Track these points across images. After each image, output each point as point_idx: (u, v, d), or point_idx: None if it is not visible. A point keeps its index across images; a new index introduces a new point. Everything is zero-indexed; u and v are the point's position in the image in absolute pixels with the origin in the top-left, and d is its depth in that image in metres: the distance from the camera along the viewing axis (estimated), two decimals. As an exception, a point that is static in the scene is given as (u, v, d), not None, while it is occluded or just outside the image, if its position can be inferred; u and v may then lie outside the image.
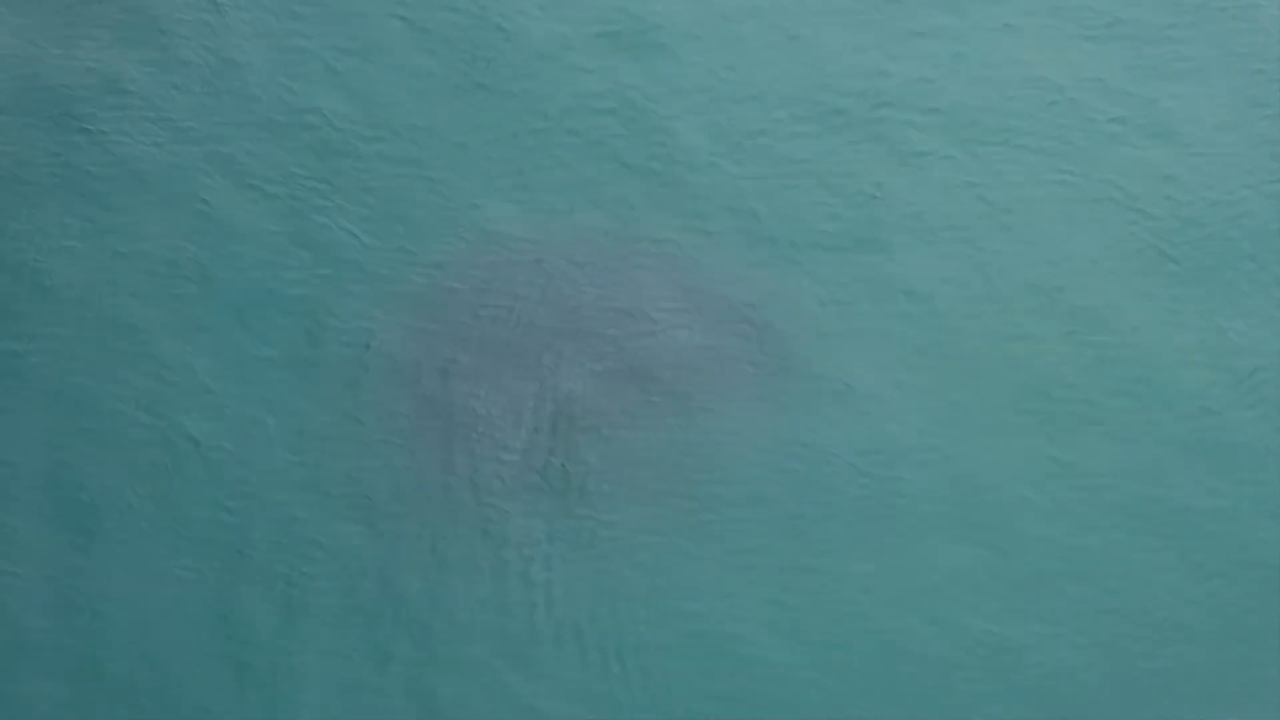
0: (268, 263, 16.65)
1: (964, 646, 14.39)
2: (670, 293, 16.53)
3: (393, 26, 18.61)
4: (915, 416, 15.68)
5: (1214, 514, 15.08)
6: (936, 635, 14.45)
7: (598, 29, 18.58)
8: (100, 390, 15.77)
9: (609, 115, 17.85)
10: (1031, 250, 16.82)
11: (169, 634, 14.50)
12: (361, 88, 18.10)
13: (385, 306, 16.32)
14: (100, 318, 16.27)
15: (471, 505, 15.11)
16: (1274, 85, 18.03)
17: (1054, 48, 18.38)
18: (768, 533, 14.98)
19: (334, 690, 14.25)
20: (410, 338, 16.12)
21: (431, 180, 17.32)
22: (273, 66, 18.21)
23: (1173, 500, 15.16)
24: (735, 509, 15.09)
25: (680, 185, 17.28)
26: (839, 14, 18.72)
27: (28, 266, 16.61)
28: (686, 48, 18.35)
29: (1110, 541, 14.93)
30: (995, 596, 14.63)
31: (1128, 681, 14.22)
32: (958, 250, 16.81)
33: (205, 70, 18.19)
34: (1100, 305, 16.42)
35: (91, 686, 14.15)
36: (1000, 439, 15.56)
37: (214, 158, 17.46)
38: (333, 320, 16.24)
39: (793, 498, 15.19)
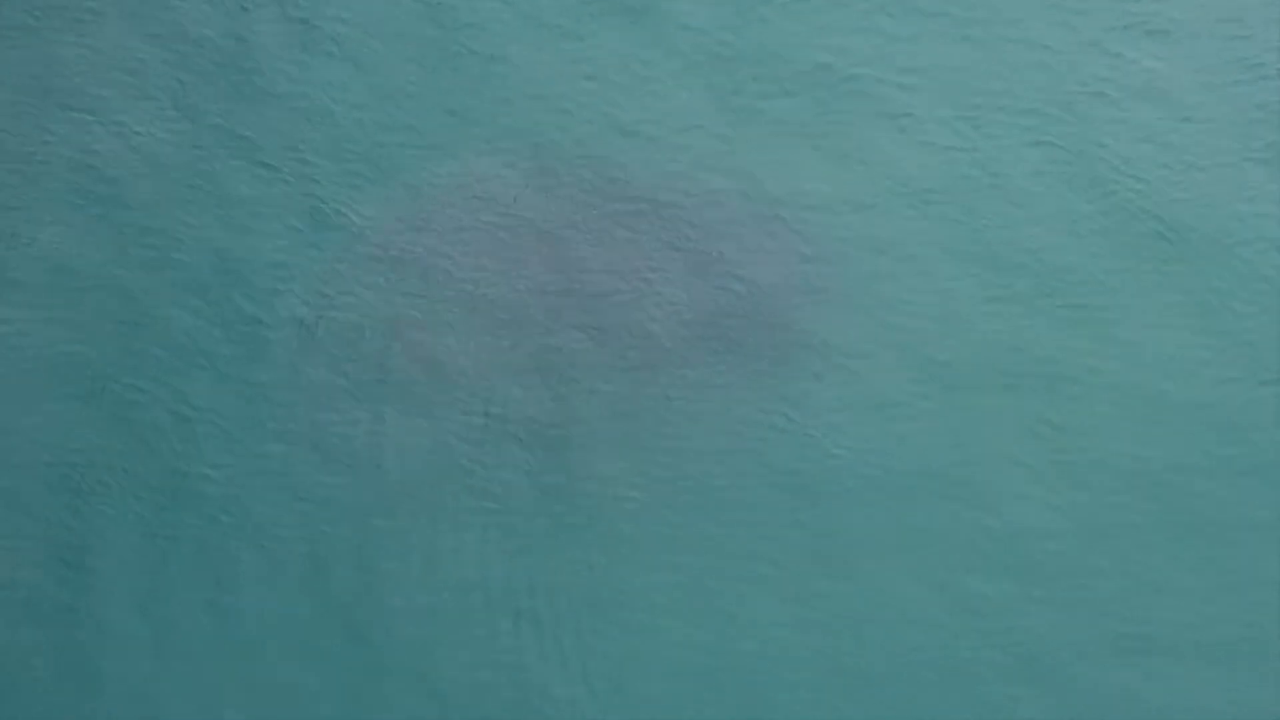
0: (260, 228, 16.83)
1: (948, 602, 14.63)
2: (660, 251, 16.73)
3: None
4: (900, 375, 15.91)
5: (1195, 472, 15.25)
6: (921, 590, 14.68)
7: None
8: (95, 355, 16.06)
9: (599, 80, 17.98)
10: (1016, 211, 16.96)
11: (157, 584, 14.82)
12: (360, 57, 18.28)
13: (378, 268, 16.52)
14: (95, 286, 16.52)
15: (457, 458, 15.32)
16: (1256, 46, 18.03)
17: (1039, 5, 18.43)
18: (753, 487, 15.20)
19: (314, 633, 14.56)
20: (401, 297, 16.33)
21: (424, 146, 17.45)
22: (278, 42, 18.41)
23: (1155, 459, 15.34)
24: (720, 463, 15.31)
25: (670, 146, 17.39)
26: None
27: (22, 236, 16.86)
28: (678, 9, 18.40)
29: (1094, 500, 15.13)
30: (979, 553, 14.84)
31: (1111, 640, 14.44)
32: (944, 211, 16.94)
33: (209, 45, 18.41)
34: (1081, 266, 16.65)
35: (83, 634, 14.49)
36: (984, 397, 15.76)
37: (219, 131, 17.70)
38: (327, 284, 16.44)
39: (778, 453, 15.39)
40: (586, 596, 14.68)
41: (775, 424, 15.52)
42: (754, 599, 14.64)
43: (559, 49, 18.18)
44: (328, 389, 15.78)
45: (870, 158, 17.25)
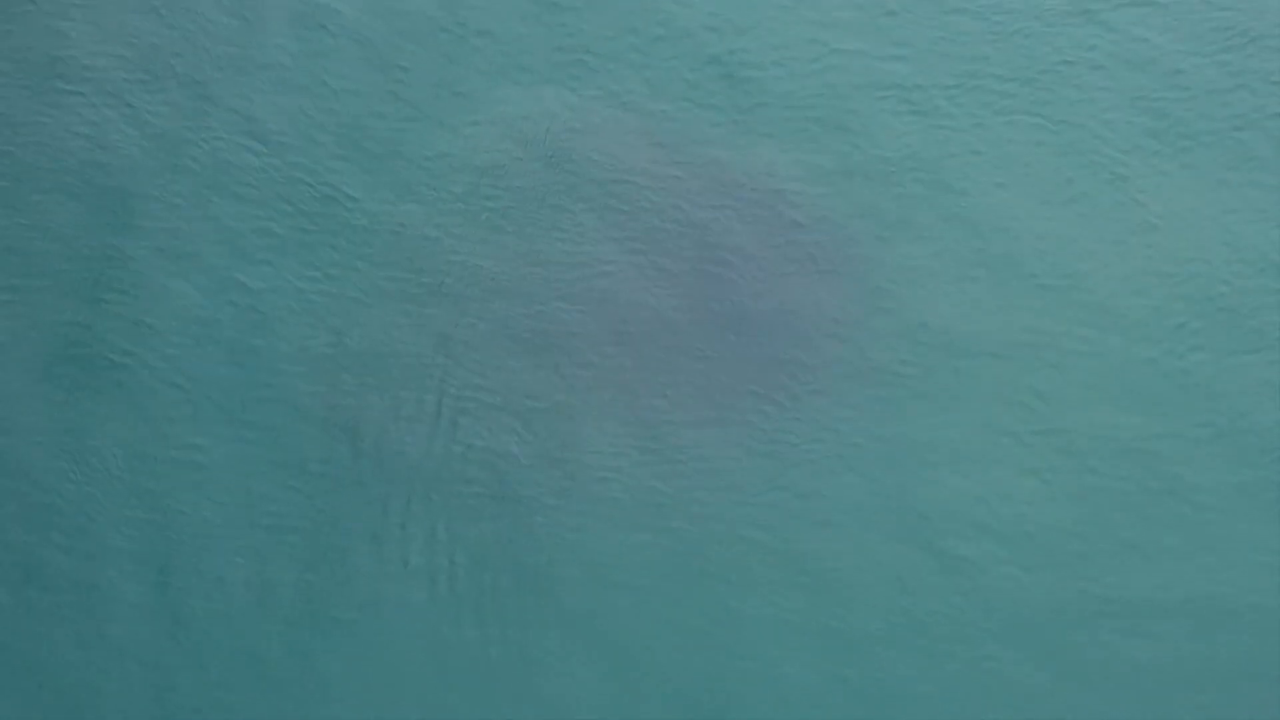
0: (254, 199, 17.03)
1: (932, 565, 14.92)
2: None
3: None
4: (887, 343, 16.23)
5: (1171, 439, 15.51)
6: (905, 553, 14.97)
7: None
8: (93, 324, 16.30)
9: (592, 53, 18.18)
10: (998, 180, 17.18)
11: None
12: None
13: (373, 240, 16.74)
14: (92, 255, 16.72)
15: (451, 426, 15.60)
16: (1234, 12, 18.19)
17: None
18: (740, 456, 15.47)
19: (312, 602, 14.84)
20: (394, 269, 16.55)
21: (418, 119, 17.61)
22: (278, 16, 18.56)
23: (1133, 426, 15.59)
24: (708, 432, 15.62)
25: (659, 118, 17.58)
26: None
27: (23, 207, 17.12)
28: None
29: (1074, 465, 15.42)
30: (962, 518, 15.13)
31: (1090, 601, 14.70)
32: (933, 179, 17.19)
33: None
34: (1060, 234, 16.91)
35: (86, 600, 14.81)
36: (969, 363, 16.04)
37: (215, 103, 17.83)
38: (321, 255, 16.66)
39: (765, 421, 15.67)
40: (582, 558, 14.99)
41: (762, 392, 15.83)
42: (742, 563, 14.91)
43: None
44: (322, 359, 15.99)
45: (855, 127, 17.45)
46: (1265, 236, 16.58)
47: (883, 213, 16.81)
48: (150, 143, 17.37)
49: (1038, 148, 17.24)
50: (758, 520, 15.11)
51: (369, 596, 14.75)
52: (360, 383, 15.85)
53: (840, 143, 17.31)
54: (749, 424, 15.59)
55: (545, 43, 18.08)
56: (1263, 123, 17.31)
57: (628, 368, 15.90)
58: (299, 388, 15.77)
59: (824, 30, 18.08)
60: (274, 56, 18.01)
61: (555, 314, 16.24)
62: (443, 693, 14.38)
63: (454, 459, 15.45)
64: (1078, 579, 14.80)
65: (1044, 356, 15.92)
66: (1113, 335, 16.04)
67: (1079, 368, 15.86)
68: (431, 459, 15.43)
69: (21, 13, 18.22)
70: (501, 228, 16.75)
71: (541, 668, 14.45)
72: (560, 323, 16.17)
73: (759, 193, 17.02)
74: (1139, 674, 14.37)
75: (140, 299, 16.28)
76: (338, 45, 18.13)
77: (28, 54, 17.98)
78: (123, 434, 15.51)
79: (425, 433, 15.57)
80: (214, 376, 15.85)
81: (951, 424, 15.61)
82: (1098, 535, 14.99)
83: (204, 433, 15.56)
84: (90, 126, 17.48)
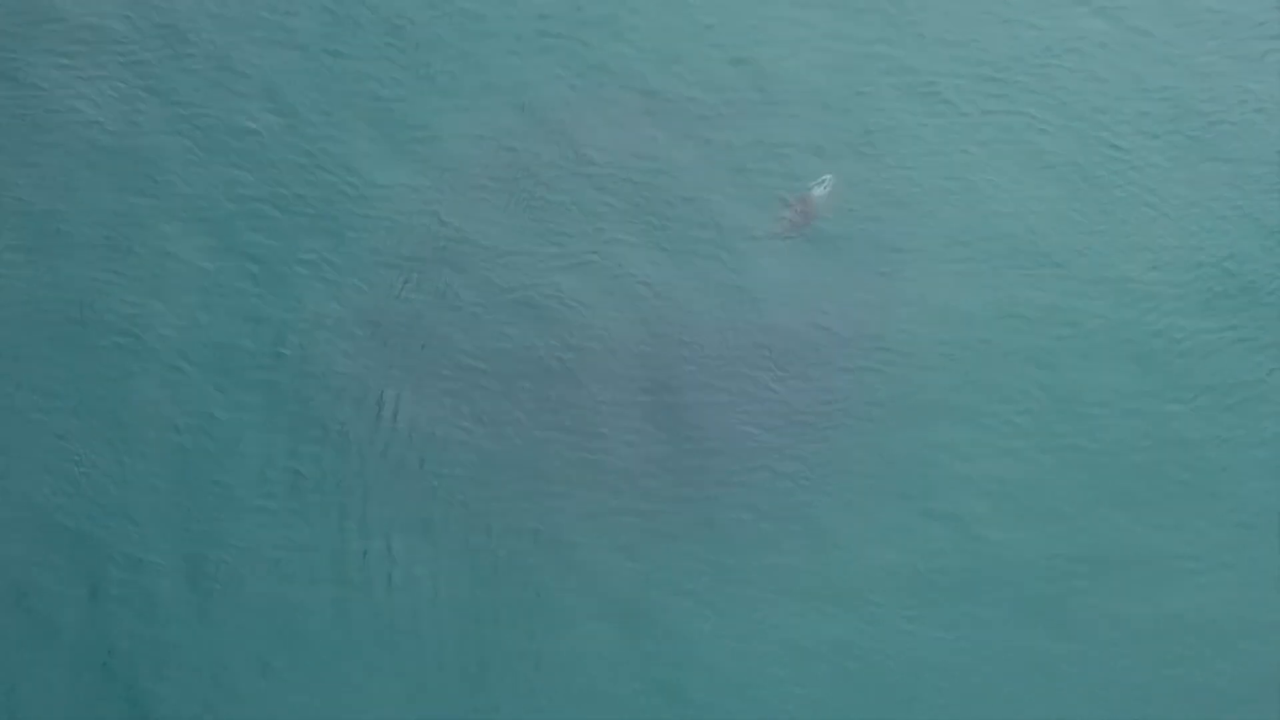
0: (270, 163, 17.28)
1: (919, 520, 15.25)
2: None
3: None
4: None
5: (1149, 397, 15.86)
6: (894, 510, 15.28)
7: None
8: (101, 285, 16.48)
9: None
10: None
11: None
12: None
13: (381, 208, 16.97)
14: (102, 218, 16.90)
15: (458, 388, 15.84)
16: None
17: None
18: (739, 424, 15.75)
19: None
20: (401, 237, 16.78)
21: (431, 95, 17.88)
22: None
23: (1115, 385, 15.94)
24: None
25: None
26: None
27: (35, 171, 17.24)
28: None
29: (1053, 425, 15.75)
30: (950, 475, 15.43)
31: (1073, 554, 14.98)
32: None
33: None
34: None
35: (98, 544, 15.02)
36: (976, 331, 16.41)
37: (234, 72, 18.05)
38: (329, 219, 16.91)
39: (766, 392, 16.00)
40: (592, 521, 15.24)
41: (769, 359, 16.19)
42: (738, 506, 15.23)
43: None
44: (330, 320, 16.21)
45: (854, 107, 17.85)
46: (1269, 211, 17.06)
47: (888, 190, 17.18)
48: (167, 108, 17.60)
49: (1042, 132, 17.67)
50: (762, 485, 15.37)
51: (385, 552, 14.98)
52: (372, 346, 16.09)
53: (849, 125, 17.68)
54: (754, 386, 15.89)
55: (571, 22, 18.39)
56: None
57: (633, 336, 16.16)
58: (313, 351, 16.01)
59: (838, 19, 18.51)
60: (296, 27, 18.25)
61: (559, 279, 16.57)
62: (470, 644, 14.63)
63: (459, 415, 15.70)
64: (1061, 534, 15.10)
65: (1047, 329, 16.33)
66: (1114, 306, 16.41)
67: (1083, 338, 16.22)
68: (440, 423, 15.66)
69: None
70: (511, 202, 17.04)
71: (550, 620, 14.69)
72: (564, 291, 16.48)
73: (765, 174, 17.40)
74: (1120, 625, 14.68)
75: (153, 262, 16.49)
76: (361, 18, 18.37)
77: (53, 19, 18.23)
78: (138, 394, 15.71)
79: (435, 394, 15.81)
80: (227, 340, 16.06)
81: (952, 390, 15.92)
82: (1081, 490, 15.32)
83: (218, 393, 15.75)
84: (110, 92, 17.67)
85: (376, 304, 16.32)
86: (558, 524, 15.13)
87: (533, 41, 18.22)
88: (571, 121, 17.53)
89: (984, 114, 17.69)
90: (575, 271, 16.55)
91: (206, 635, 14.49)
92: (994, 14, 18.47)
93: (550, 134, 17.45)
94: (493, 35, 18.29)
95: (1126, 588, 14.83)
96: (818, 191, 16.97)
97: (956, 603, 14.73)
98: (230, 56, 18.01)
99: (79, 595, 14.65)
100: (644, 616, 14.68)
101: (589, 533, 15.08)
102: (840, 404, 15.81)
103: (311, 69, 17.96)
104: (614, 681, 14.36)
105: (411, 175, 17.17)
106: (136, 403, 15.67)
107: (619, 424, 15.63)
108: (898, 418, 15.74)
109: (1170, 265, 16.60)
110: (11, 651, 14.33)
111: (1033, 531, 15.09)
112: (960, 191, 17.16)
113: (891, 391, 15.88)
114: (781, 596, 14.78)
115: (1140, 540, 15.06)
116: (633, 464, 15.43)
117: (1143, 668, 14.49)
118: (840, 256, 16.71)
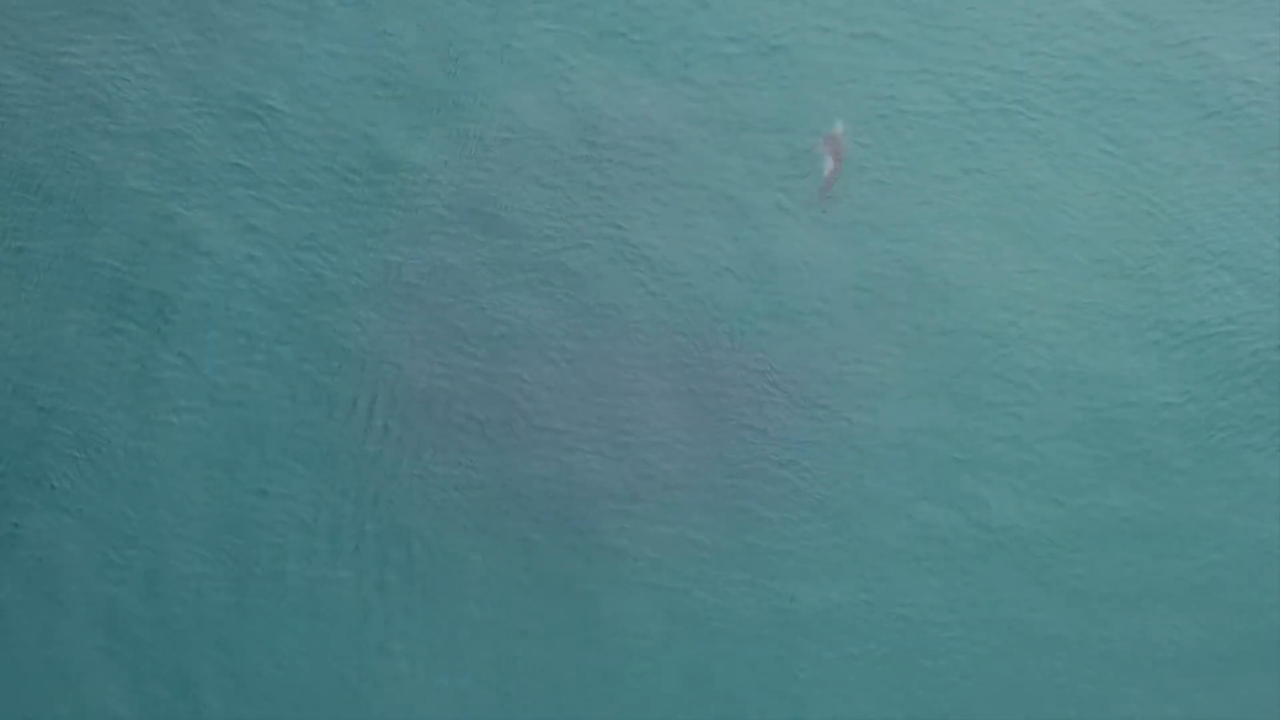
0: (293, 147, 17.48)
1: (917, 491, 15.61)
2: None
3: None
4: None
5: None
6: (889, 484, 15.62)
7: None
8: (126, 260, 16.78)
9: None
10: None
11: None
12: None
13: (393, 182, 17.21)
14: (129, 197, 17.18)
15: (462, 356, 16.14)
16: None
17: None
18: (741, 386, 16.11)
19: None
20: (416, 211, 17.02)
21: (459, 80, 18.08)
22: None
23: (1094, 364, 16.18)
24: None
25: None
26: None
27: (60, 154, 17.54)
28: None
29: (1040, 400, 16.02)
30: (954, 447, 15.79)
31: (1061, 521, 15.29)
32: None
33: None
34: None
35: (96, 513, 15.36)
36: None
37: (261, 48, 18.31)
38: (345, 194, 17.15)
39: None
40: (609, 492, 15.51)
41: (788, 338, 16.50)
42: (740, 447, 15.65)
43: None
44: (343, 291, 16.46)
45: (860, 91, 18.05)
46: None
47: (914, 171, 17.42)
48: (190, 85, 17.80)
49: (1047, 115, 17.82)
50: (783, 458, 15.66)
51: (407, 521, 15.32)
52: (374, 312, 16.32)
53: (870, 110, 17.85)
54: (771, 363, 16.19)
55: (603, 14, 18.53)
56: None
57: (653, 314, 16.43)
58: (338, 325, 16.27)
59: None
60: (320, 3, 18.37)
61: (566, 256, 16.82)
62: (495, 618, 14.94)
63: (463, 385, 15.95)
64: (1052, 504, 15.39)
65: (1018, 304, 16.57)
66: (1117, 291, 16.60)
67: (1091, 319, 16.48)
68: (441, 387, 15.91)
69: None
70: (536, 179, 17.26)
71: (579, 595, 15.00)
72: (571, 261, 16.76)
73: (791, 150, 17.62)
74: (1111, 595, 14.97)
75: (183, 241, 16.75)
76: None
77: (85, 7, 18.40)
78: (170, 371, 15.98)
79: (457, 364, 16.08)
80: (257, 313, 16.35)
81: (962, 366, 16.20)
82: (1068, 460, 15.58)
83: (247, 368, 16.03)
84: (132, 68, 17.89)
85: (404, 279, 16.52)
86: (583, 504, 15.36)
87: (559, 18, 18.35)
88: (597, 99, 17.65)
89: (986, 97, 17.84)
90: (595, 246, 16.76)
91: (235, 619, 14.82)
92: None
93: (572, 110, 17.59)
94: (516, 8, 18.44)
95: (1112, 552, 15.18)
96: (839, 129, 17.26)
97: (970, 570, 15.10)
98: (253, 36, 18.12)
99: (106, 573, 14.96)
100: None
101: (615, 517, 15.30)
102: (853, 376, 16.12)
103: (334, 49, 18.06)
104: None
105: (435, 152, 17.28)
106: (164, 380, 15.91)
107: (638, 398, 15.89)
108: (905, 393, 16.00)
109: (1173, 255, 16.79)
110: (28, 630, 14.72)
111: (1039, 499, 15.42)
112: (963, 175, 17.34)
113: (901, 365, 16.19)
114: (804, 583, 15.03)
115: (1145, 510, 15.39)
116: (662, 450, 15.66)
117: (1148, 635, 14.79)
118: (854, 230, 16.96)
